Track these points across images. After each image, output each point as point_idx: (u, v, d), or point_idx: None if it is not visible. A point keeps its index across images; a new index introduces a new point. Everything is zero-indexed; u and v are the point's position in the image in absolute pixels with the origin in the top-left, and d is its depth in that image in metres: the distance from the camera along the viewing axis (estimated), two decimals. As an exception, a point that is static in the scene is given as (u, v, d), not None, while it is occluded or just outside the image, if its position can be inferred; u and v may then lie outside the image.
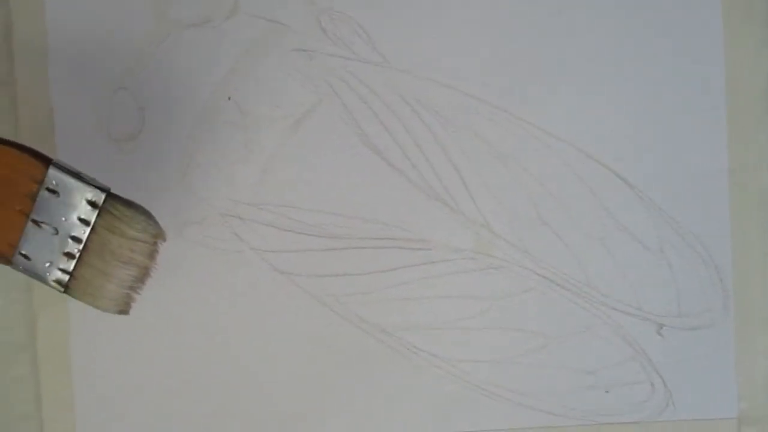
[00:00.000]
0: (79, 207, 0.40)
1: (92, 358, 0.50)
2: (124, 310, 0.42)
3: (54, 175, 0.40)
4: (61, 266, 0.40)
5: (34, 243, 0.40)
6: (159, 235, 0.41)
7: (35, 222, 0.40)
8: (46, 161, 0.40)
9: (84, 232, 0.40)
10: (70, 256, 0.40)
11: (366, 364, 0.50)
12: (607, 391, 0.50)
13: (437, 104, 0.49)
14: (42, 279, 0.41)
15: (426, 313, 0.50)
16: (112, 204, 0.40)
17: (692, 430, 0.50)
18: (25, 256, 0.40)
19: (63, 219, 0.40)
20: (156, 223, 0.41)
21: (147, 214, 0.41)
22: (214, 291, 0.50)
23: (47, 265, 0.40)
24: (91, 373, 0.50)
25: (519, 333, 0.50)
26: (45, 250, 0.40)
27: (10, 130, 0.49)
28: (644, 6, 0.50)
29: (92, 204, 0.40)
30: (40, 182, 0.40)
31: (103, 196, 0.40)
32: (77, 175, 0.40)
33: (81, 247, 0.40)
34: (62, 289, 0.41)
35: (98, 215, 0.40)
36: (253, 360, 0.50)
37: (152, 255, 0.41)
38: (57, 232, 0.40)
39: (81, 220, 0.40)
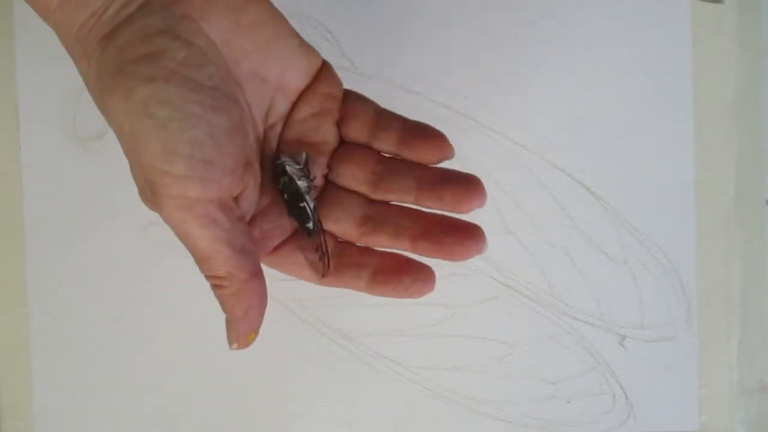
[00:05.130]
0: None
1: (53, 361, 0.49)
2: None
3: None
4: None
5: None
6: None
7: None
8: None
9: None
10: None
11: (328, 370, 0.50)
12: (568, 402, 0.50)
13: (405, 111, 0.49)
14: None
15: (389, 320, 0.50)
16: None
17: (653, 442, 0.51)
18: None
19: None
20: None
21: None
22: (177, 292, 0.49)
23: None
24: (52, 374, 0.49)
25: (481, 341, 0.50)
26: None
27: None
28: (613, 20, 0.50)
29: None
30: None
31: None
32: None
33: None
34: None
35: None
36: (215, 362, 0.50)
37: None
38: None
39: None
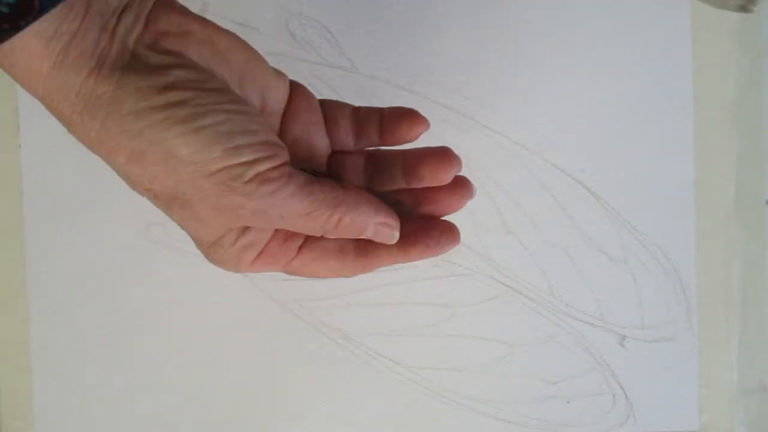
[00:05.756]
0: None
1: (53, 361, 0.49)
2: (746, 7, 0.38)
3: None
4: None
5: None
6: None
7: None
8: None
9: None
10: None
11: (328, 370, 0.50)
12: (568, 402, 0.50)
13: (405, 111, 0.49)
14: None
15: (388, 320, 0.50)
16: None
17: (653, 442, 0.51)
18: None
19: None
20: None
21: None
22: (177, 291, 0.49)
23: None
24: (51, 376, 0.49)
25: (481, 341, 0.50)
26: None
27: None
28: (613, 20, 0.50)
29: None
30: None
31: None
32: None
33: None
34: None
35: None
36: (215, 362, 0.50)
37: None
38: None
39: None
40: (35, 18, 0.32)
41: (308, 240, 0.39)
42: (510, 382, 0.50)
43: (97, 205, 0.49)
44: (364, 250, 0.39)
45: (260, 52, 0.37)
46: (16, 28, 0.32)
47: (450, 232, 0.39)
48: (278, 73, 0.38)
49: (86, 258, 0.49)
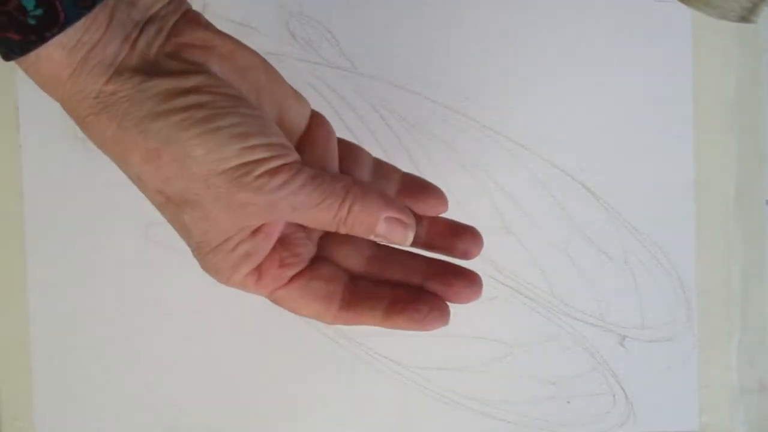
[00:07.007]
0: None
1: (53, 361, 0.49)
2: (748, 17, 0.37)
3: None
4: None
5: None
6: None
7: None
8: None
9: None
10: None
11: (328, 370, 0.50)
12: (568, 402, 0.50)
13: (405, 111, 0.49)
14: None
15: (389, 320, 0.50)
16: None
17: (653, 442, 0.51)
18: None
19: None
20: None
21: None
22: (177, 292, 0.49)
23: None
24: (51, 376, 0.49)
25: (482, 341, 0.50)
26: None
27: (-25, 127, 0.49)
28: (613, 20, 0.50)
29: None
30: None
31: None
32: None
33: None
34: None
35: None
36: (215, 363, 0.50)
37: None
38: None
39: None
40: (60, 30, 0.33)
41: (303, 273, 0.38)
42: (510, 382, 0.50)
43: (98, 205, 0.49)
44: (349, 302, 0.39)
45: (260, 52, 0.37)
46: (42, 39, 0.33)
47: (440, 312, 0.39)
48: (299, 98, 0.39)
49: (86, 258, 0.49)
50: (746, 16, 0.37)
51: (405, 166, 0.49)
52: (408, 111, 0.50)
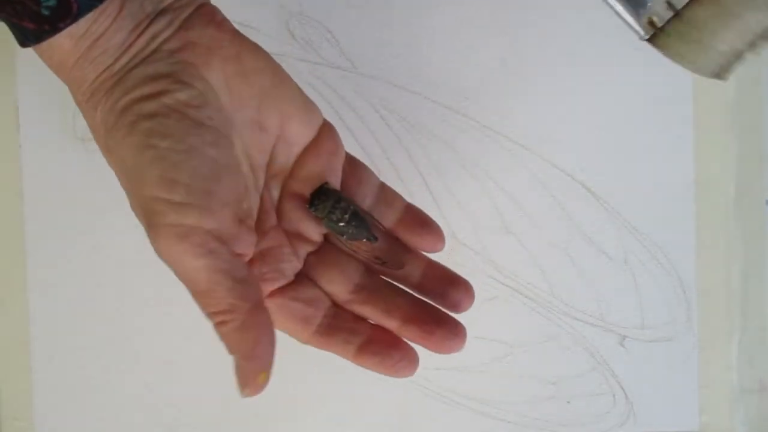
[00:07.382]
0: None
1: (53, 361, 0.49)
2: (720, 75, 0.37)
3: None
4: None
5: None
6: None
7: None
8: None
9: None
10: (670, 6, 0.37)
11: (328, 370, 0.50)
12: (568, 402, 0.50)
13: (405, 111, 0.49)
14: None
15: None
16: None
17: (653, 442, 0.51)
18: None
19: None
20: None
21: None
22: (177, 292, 0.49)
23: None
24: (51, 376, 0.49)
25: (482, 341, 0.50)
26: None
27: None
28: (614, 20, 0.50)
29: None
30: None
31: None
32: None
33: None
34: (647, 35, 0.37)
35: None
36: (215, 363, 0.50)
37: None
38: None
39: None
40: (74, 21, 0.34)
41: (284, 289, 0.38)
42: (510, 382, 0.50)
43: (98, 205, 0.49)
44: (326, 330, 0.39)
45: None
46: (55, 30, 0.34)
47: (409, 362, 0.39)
48: (308, 107, 0.38)
49: (86, 258, 0.49)
50: (719, 74, 0.38)
51: (405, 166, 0.50)
52: (408, 111, 0.49)
